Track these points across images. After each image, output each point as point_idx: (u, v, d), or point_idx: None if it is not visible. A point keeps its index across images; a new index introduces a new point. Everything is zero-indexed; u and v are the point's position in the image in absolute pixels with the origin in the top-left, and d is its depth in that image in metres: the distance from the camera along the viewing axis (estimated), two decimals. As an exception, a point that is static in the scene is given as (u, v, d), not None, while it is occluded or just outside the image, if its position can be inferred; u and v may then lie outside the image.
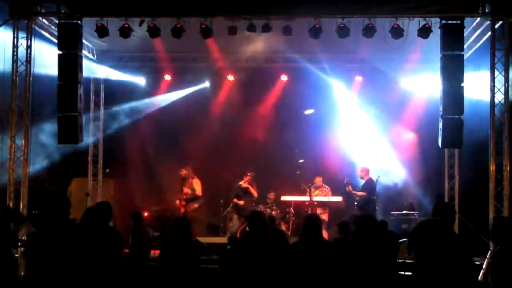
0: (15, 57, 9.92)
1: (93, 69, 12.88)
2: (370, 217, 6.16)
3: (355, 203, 12.16)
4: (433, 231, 5.40)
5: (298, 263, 5.68)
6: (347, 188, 12.20)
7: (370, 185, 12.16)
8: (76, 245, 5.41)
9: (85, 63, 11.01)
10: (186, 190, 12.24)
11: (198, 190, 12.28)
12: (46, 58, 10.46)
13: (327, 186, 12.84)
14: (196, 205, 12.23)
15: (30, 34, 9.92)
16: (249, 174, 12.74)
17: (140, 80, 14.01)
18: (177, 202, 12.30)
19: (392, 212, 12.24)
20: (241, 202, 12.54)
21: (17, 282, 7.08)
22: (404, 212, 12.24)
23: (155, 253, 8.57)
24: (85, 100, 11.63)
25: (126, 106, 13.90)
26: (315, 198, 12.37)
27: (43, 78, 10.43)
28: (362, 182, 12.27)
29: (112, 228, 6.39)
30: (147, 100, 14.08)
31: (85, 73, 10.90)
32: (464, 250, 5.37)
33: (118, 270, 5.69)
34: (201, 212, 12.40)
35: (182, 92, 14.16)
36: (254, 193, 12.70)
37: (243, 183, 12.74)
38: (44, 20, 10.30)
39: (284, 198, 12.69)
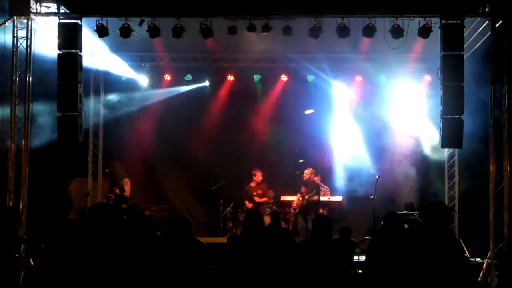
0: (15, 57, 9.91)
1: (93, 68, 12.86)
2: (395, 214, 6.15)
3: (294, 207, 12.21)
4: (428, 233, 5.42)
5: (307, 260, 5.74)
6: (306, 196, 12.08)
7: (318, 188, 12.18)
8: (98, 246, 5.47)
9: (85, 62, 10.97)
10: (116, 190, 11.93)
11: (128, 191, 11.94)
12: (46, 58, 10.43)
13: (326, 186, 12.87)
14: (124, 206, 11.84)
15: (30, 34, 9.91)
16: (257, 173, 12.70)
17: (140, 80, 14.00)
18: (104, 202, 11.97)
19: (392, 212, 12.21)
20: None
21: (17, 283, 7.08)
22: (404, 212, 12.22)
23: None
24: (85, 100, 11.59)
25: (126, 106, 13.88)
26: (315, 198, 12.38)
27: (43, 78, 10.41)
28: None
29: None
30: (147, 100, 14.06)
31: (85, 72, 10.87)
32: (461, 251, 5.39)
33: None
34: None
35: (182, 91, 14.15)
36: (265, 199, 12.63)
37: (254, 185, 12.68)
38: (44, 20, 10.29)
39: (284, 198, 12.69)
